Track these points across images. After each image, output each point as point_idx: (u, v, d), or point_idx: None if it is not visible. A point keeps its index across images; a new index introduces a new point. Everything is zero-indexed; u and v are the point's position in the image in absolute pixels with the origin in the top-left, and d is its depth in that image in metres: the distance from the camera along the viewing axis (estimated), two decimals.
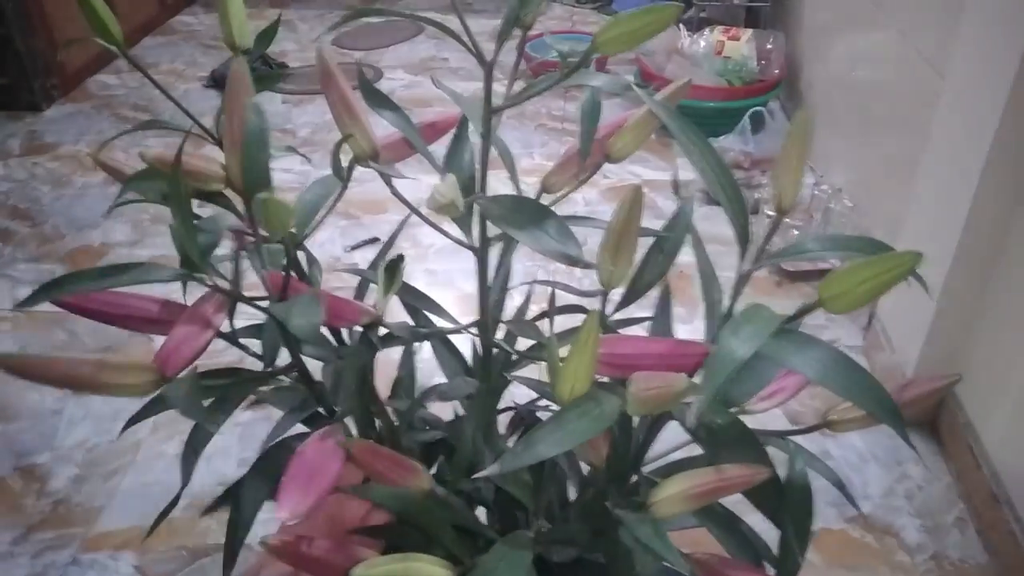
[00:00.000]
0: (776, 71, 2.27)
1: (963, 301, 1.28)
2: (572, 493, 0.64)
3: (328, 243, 1.91)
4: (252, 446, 1.38)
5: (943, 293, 1.27)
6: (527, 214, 0.51)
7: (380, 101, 0.53)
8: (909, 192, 1.40)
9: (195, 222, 0.57)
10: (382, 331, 0.68)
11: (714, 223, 1.96)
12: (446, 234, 0.58)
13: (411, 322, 0.68)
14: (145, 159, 0.53)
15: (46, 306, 0.58)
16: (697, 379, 0.44)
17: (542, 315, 0.65)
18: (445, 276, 1.80)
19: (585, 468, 0.66)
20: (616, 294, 0.57)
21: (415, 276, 1.86)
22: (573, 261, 0.50)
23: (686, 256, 0.59)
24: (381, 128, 0.60)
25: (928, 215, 1.34)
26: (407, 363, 0.72)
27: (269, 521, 0.50)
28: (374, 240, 1.92)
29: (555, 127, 2.38)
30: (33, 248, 1.92)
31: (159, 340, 0.54)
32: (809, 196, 1.83)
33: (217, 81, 2.64)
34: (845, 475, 1.31)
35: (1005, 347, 1.21)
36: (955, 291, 1.27)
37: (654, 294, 0.63)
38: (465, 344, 0.71)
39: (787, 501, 0.50)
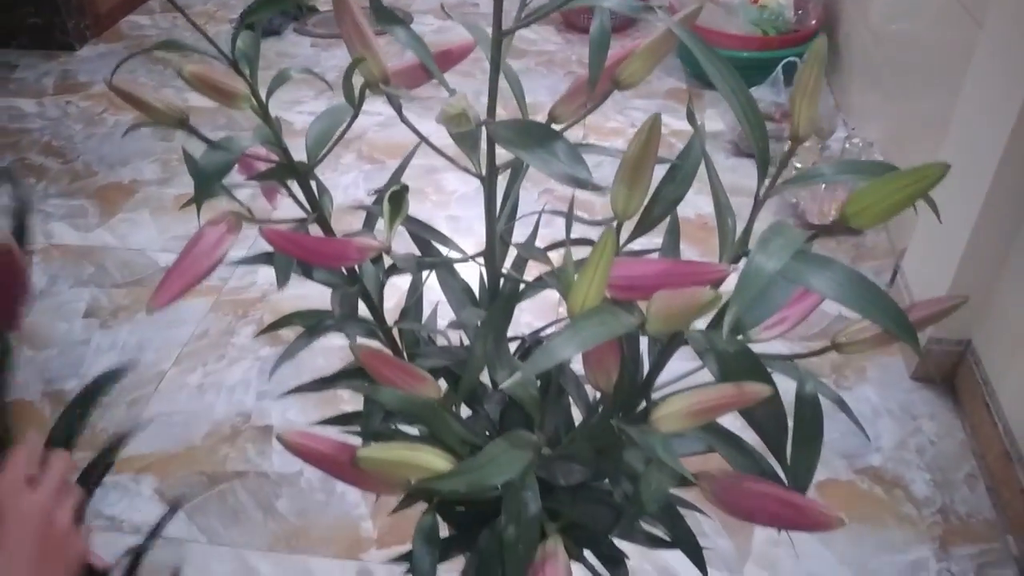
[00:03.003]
0: (813, 21, 2.22)
1: (985, 258, 1.26)
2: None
3: (352, 187, 1.92)
4: (270, 380, 1.41)
5: (966, 251, 1.26)
6: (536, 137, 0.51)
7: (390, 18, 0.53)
8: (939, 149, 1.37)
9: (212, 142, 0.58)
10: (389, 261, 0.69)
11: (740, 175, 1.94)
12: (453, 161, 0.58)
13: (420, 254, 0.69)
14: (183, 75, 0.54)
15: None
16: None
17: (552, 246, 0.65)
18: (467, 223, 1.80)
19: (592, 397, 0.67)
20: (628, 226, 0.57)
21: (438, 222, 1.87)
22: (582, 184, 0.50)
23: (708, 207, 0.58)
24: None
25: (956, 171, 1.31)
26: (414, 294, 0.73)
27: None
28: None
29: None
30: (65, 184, 1.95)
31: None
32: (840, 149, 1.80)
33: (244, 21, 2.63)
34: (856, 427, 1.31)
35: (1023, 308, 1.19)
36: (978, 249, 1.25)
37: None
38: (473, 277, 0.71)
39: (797, 419, 0.51)
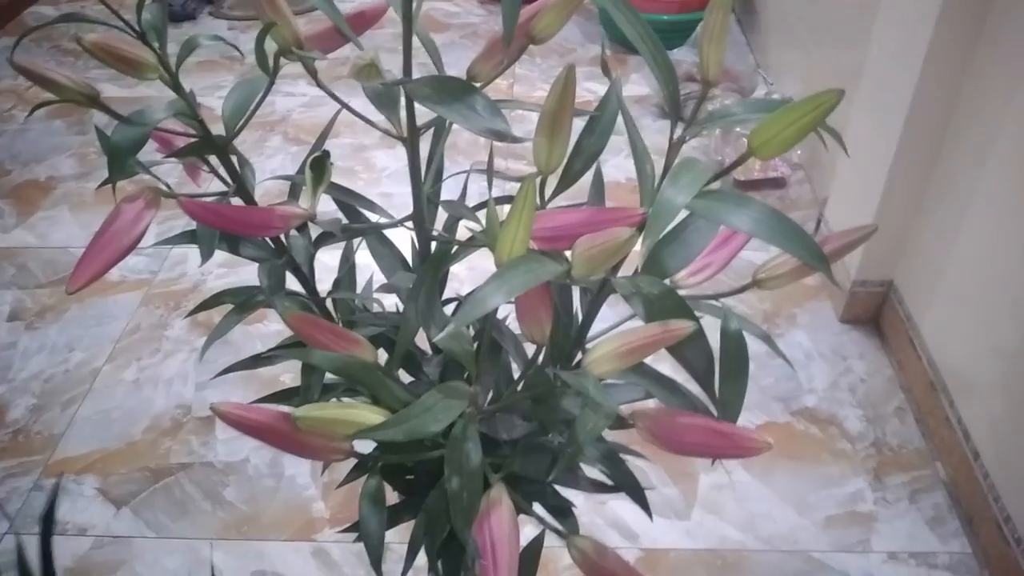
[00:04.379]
0: None
1: (902, 201, 1.31)
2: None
3: (280, 170, 1.88)
4: (209, 371, 1.39)
5: (883, 195, 1.30)
6: (454, 92, 0.51)
7: None
8: (854, 99, 1.42)
9: (123, 117, 0.57)
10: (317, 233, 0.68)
11: (666, 137, 1.96)
12: (373, 124, 0.58)
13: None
14: (83, 44, 0.52)
15: None
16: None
17: (480, 205, 0.65)
18: (400, 199, 1.79)
19: (530, 353, 0.68)
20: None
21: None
22: (501, 136, 0.50)
23: (632, 171, 0.59)
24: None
25: (870, 119, 1.36)
26: (346, 263, 0.72)
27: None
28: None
29: None
30: None
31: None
32: None
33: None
34: (791, 372, 1.36)
35: (941, 244, 1.24)
36: (894, 192, 1.30)
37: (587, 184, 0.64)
38: (406, 247, 0.71)
39: (724, 355, 0.53)
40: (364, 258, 0.73)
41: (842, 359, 1.39)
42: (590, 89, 2.08)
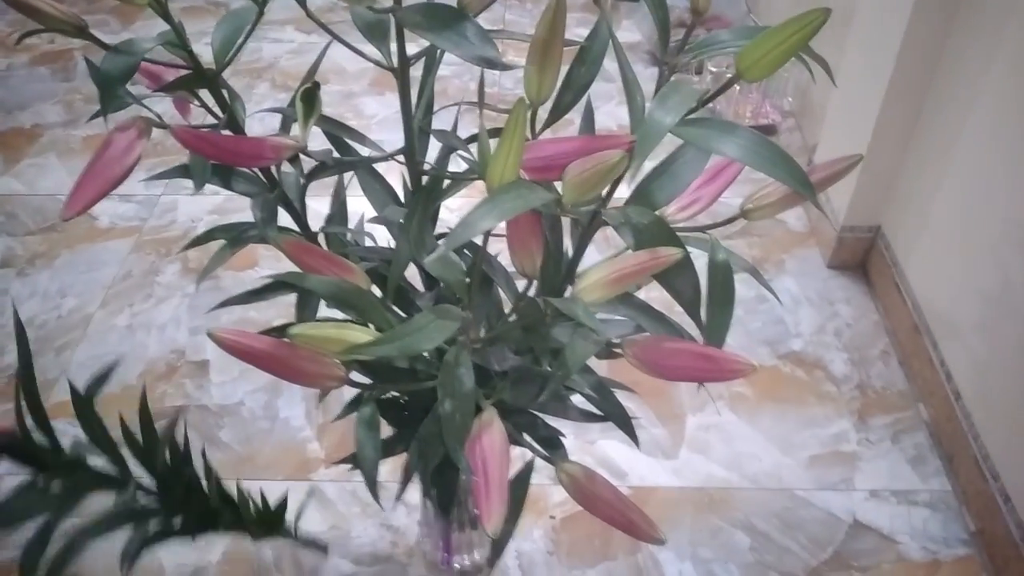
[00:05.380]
0: None
1: (890, 146, 1.31)
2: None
3: (268, 117, 1.87)
4: (200, 315, 1.40)
5: (872, 141, 1.31)
6: (445, 20, 0.51)
7: None
8: (845, 43, 1.41)
9: (112, 47, 0.57)
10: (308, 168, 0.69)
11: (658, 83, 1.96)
12: (363, 55, 0.58)
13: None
14: None
15: None
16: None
17: (471, 138, 0.66)
18: (390, 146, 1.78)
19: (520, 287, 0.69)
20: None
21: (360, 148, 1.85)
22: (491, 64, 0.51)
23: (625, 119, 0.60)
24: None
25: (859, 63, 1.36)
26: (336, 200, 0.73)
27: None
28: None
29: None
30: None
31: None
32: None
33: None
34: (778, 316, 1.37)
35: (927, 190, 1.25)
36: (883, 138, 1.30)
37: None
38: (398, 184, 0.72)
39: (711, 285, 0.54)
40: (354, 204, 0.74)
41: (829, 304, 1.41)
42: (580, 35, 2.06)
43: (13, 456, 0.65)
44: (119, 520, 0.68)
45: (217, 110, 0.66)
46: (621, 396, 0.68)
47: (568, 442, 0.70)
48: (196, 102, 0.67)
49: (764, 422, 1.23)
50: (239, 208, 1.54)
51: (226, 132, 0.63)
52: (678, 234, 0.53)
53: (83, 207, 0.52)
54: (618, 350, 0.54)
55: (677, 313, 0.57)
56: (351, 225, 0.77)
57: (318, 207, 0.71)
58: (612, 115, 1.78)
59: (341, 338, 0.46)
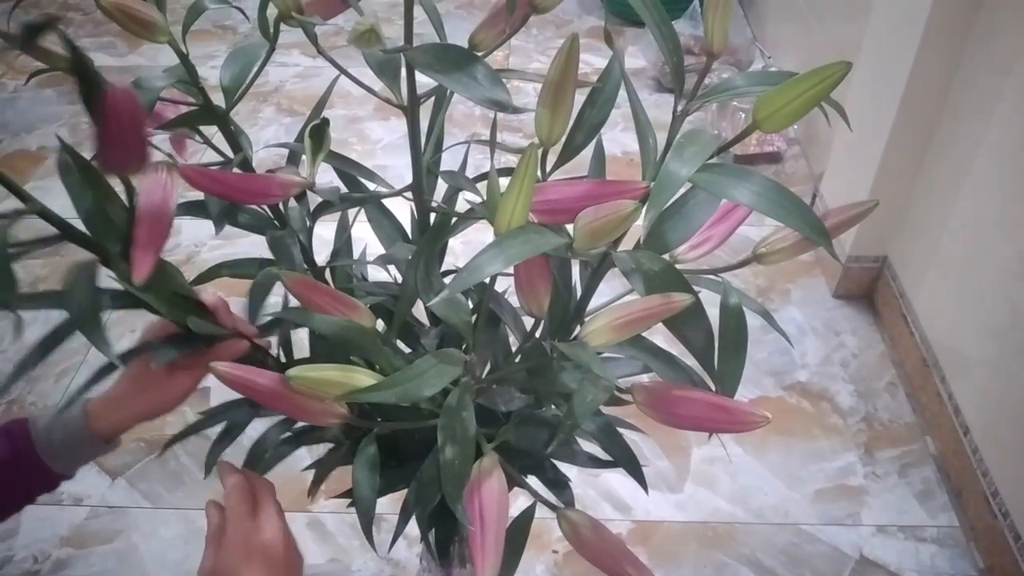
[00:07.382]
0: None
1: (898, 177, 1.31)
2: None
3: (273, 141, 1.87)
4: None
5: (879, 172, 1.30)
6: (455, 61, 0.51)
7: None
8: (852, 74, 1.41)
9: (134, 80, 0.56)
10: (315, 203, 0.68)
11: (663, 111, 1.96)
12: (372, 92, 0.57)
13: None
14: (101, 4, 0.51)
15: None
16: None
17: (480, 177, 0.65)
18: (395, 171, 1.78)
19: (528, 326, 0.68)
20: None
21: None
22: (503, 107, 0.50)
23: (634, 144, 0.59)
24: None
25: (867, 95, 1.36)
26: (343, 233, 0.72)
27: None
28: None
29: None
30: None
31: None
32: None
33: None
34: (784, 347, 1.36)
35: (935, 221, 1.25)
36: (890, 169, 1.30)
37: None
38: (405, 218, 0.71)
39: (723, 330, 0.53)
40: (359, 232, 0.73)
41: (835, 334, 1.40)
42: (587, 61, 2.06)
43: None
44: None
45: (219, 144, 0.65)
46: (625, 429, 0.67)
47: (571, 472, 0.69)
48: (198, 138, 0.66)
49: (770, 455, 1.21)
50: (243, 233, 1.53)
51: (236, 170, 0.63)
52: (688, 275, 0.52)
53: (152, 264, 0.51)
54: (626, 396, 0.53)
55: (686, 352, 0.56)
56: (356, 254, 0.77)
57: (324, 233, 0.70)
58: (616, 141, 1.78)
59: (341, 381, 0.45)
